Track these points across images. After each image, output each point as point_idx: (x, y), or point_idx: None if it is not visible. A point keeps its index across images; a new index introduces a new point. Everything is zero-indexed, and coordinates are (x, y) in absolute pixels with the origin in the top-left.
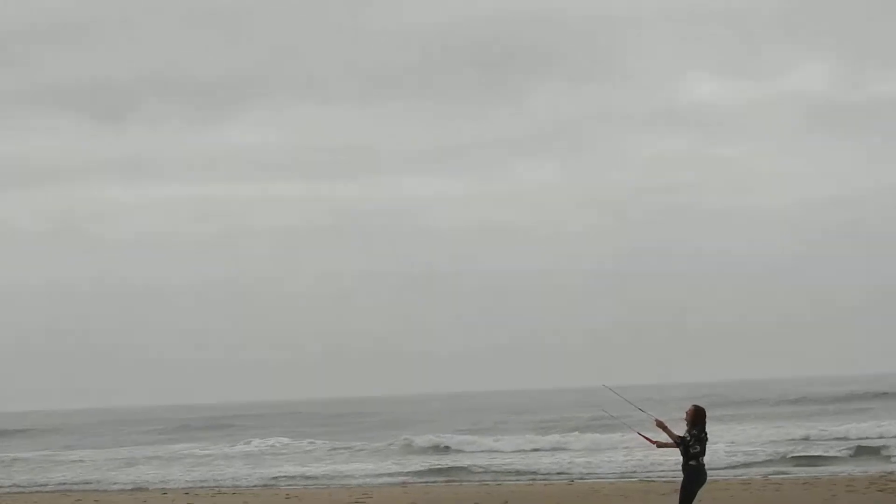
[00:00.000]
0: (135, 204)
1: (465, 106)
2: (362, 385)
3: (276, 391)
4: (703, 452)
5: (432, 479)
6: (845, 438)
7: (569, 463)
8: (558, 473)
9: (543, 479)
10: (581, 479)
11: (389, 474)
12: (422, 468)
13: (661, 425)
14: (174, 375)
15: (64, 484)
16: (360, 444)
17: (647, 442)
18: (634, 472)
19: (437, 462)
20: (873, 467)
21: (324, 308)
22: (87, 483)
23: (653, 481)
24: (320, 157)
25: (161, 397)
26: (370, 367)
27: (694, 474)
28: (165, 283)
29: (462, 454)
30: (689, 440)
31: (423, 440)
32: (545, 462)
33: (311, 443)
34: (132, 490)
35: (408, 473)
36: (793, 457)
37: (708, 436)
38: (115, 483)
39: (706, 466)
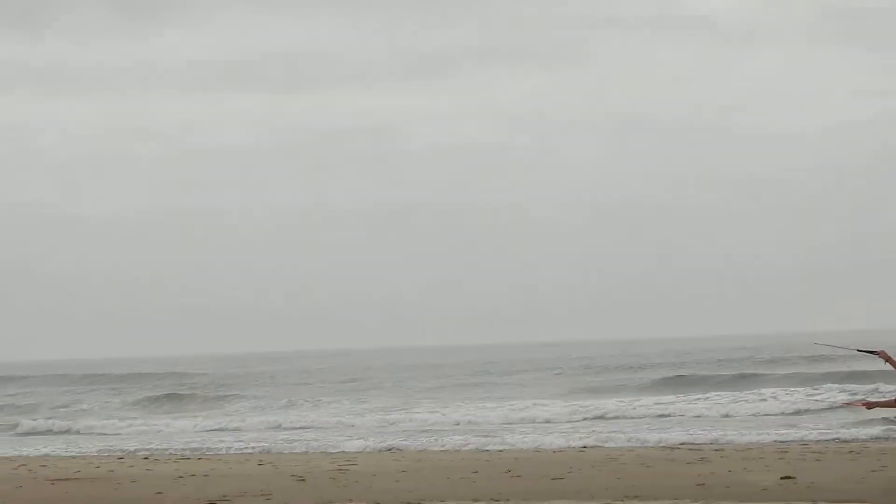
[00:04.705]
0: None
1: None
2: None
3: (225, 343)
4: None
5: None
6: None
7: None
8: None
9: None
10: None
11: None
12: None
13: (885, 357)
14: (104, 321)
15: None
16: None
17: (858, 406)
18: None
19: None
20: None
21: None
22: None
23: (677, 448)
24: (268, 67)
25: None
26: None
27: None
28: (94, 212)
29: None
30: None
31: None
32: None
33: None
34: None
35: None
36: None
37: None
38: None
39: None
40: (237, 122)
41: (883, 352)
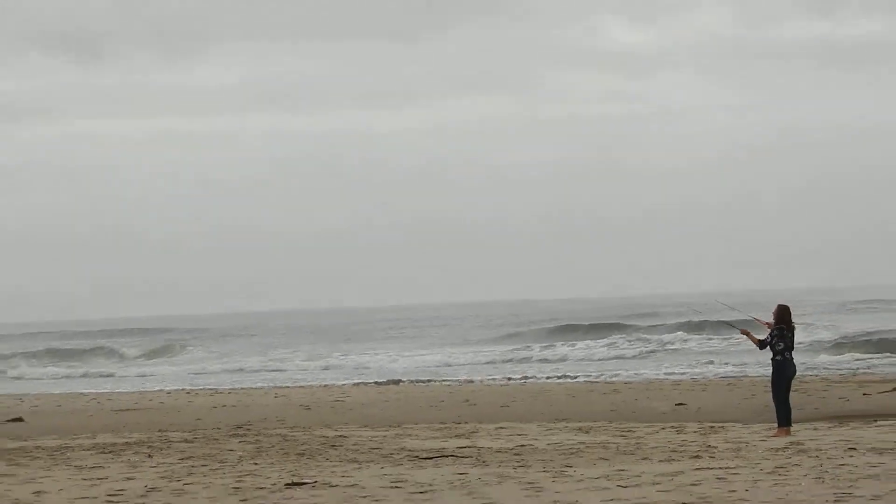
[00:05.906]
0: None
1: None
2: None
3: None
4: (788, 347)
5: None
6: None
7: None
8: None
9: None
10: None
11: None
12: None
13: (745, 333)
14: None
15: None
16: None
17: (741, 334)
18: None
19: None
20: None
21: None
22: None
23: (595, 382)
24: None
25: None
26: None
27: (778, 367)
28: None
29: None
30: (770, 340)
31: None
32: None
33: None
34: None
35: None
36: None
37: (794, 331)
38: None
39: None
40: (250, 138)
41: (743, 330)
